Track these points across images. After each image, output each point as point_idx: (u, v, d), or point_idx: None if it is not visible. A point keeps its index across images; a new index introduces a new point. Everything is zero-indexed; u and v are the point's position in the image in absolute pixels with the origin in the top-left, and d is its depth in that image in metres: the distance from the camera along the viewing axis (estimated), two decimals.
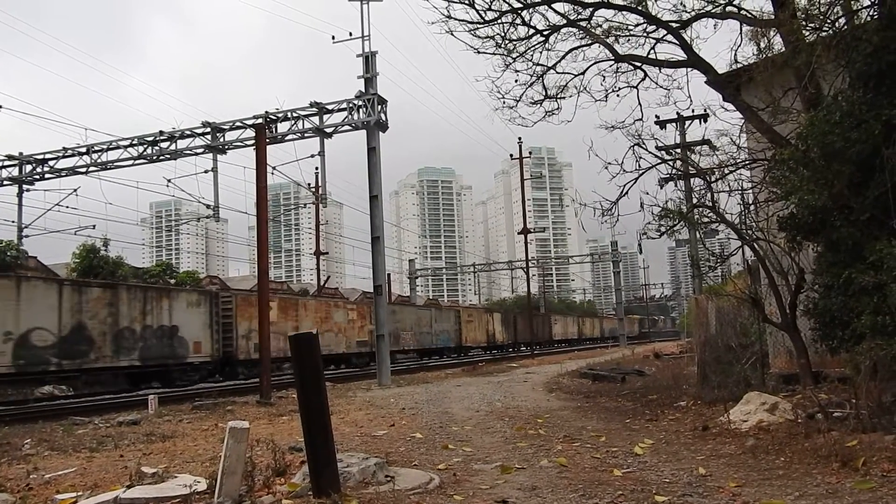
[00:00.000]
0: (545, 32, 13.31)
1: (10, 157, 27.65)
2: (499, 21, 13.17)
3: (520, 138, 48.20)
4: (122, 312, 21.65)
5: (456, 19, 13.10)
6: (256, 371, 21.49)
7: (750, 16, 12.09)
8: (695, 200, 13.13)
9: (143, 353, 22.29)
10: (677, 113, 22.61)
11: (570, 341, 71.81)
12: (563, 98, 14.10)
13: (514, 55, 13.57)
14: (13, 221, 28.70)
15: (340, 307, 34.11)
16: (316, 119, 23.34)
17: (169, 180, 25.19)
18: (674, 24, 12.64)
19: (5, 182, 28.01)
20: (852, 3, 9.97)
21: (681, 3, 12.51)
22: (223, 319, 25.79)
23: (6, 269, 27.24)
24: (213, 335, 25.10)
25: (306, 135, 23.61)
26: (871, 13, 9.66)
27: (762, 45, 11.71)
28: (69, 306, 19.99)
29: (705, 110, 17.29)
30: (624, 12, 12.95)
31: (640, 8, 12.59)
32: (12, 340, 18.30)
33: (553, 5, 12.99)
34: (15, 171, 27.77)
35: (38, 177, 27.63)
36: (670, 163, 14.69)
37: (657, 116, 24.79)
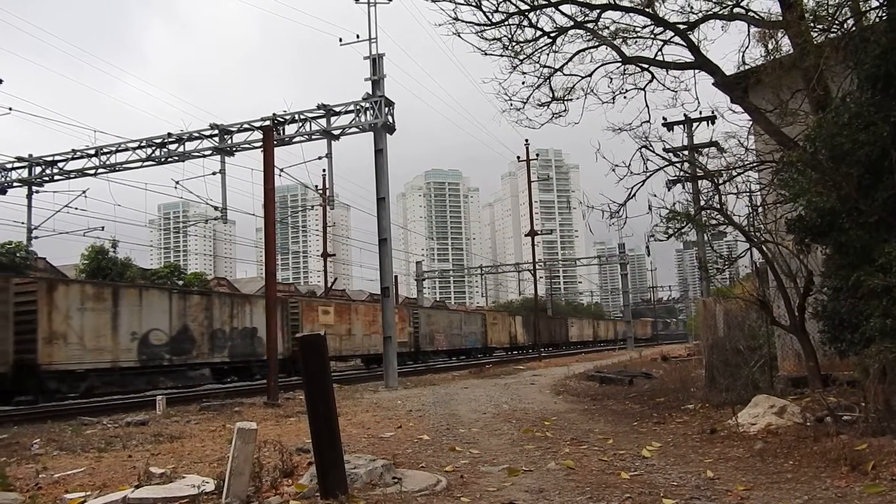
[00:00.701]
0: (552, 34, 13.29)
1: (19, 159, 27.77)
2: (506, 23, 13.15)
3: (527, 140, 48.15)
4: (215, 316, 24.80)
5: (463, 21, 13.07)
6: None
7: (758, 17, 12.06)
8: (702, 202, 13.08)
9: (232, 351, 25.52)
10: (685, 115, 22.55)
11: (586, 343, 73.85)
12: (571, 100, 14.07)
13: (521, 57, 13.55)
14: (23, 223, 28.83)
15: (363, 311, 36.54)
16: (323, 121, 23.38)
17: (177, 182, 25.30)
18: (681, 26, 12.61)
19: (15, 184, 28.14)
20: (860, 4, 9.94)
21: (688, 5, 12.49)
22: (291, 321, 28.94)
23: (15, 269, 27.40)
24: (284, 336, 27.47)
25: (314, 137, 23.66)
26: (879, 14, 9.63)
27: (770, 46, 11.68)
28: (177, 311, 23.20)
29: (713, 112, 17.11)
30: (631, 14, 12.93)
31: (647, 10, 12.57)
32: (137, 339, 21.52)
33: (560, 7, 12.97)
34: (25, 173, 27.91)
35: (47, 178, 27.75)
36: (678, 165, 14.65)
37: (664, 118, 24.73)
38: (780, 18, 11.30)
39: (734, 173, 12.61)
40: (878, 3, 9.78)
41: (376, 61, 22.42)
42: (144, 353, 21.50)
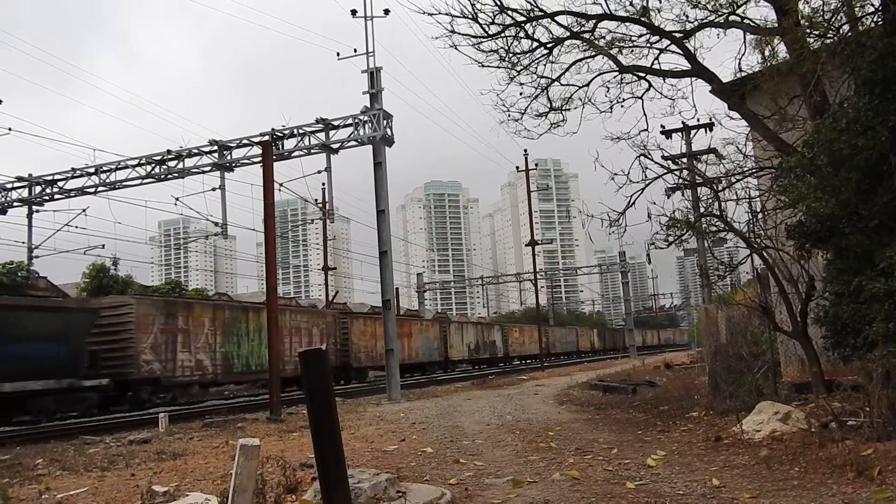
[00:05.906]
0: (549, 45, 13.31)
1: (20, 179, 27.82)
2: (502, 35, 13.17)
3: (525, 150, 48.27)
4: (484, 334, 51.29)
5: (459, 34, 13.09)
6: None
7: (753, 24, 12.09)
8: (702, 209, 13.10)
9: (488, 352, 51.56)
10: (683, 122, 22.59)
11: (638, 347, 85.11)
12: (568, 110, 14.08)
13: (518, 68, 13.56)
14: (23, 242, 28.84)
15: (528, 330, 61.47)
16: (322, 135, 23.41)
17: (177, 199, 25.36)
18: (677, 35, 12.64)
19: (15, 203, 28.17)
20: (856, 9, 9.98)
21: (684, 14, 12.52)
22: (503, 337, 55.30)
23: (16, 289, 27.36)
24: (501, 344, 54.79)
25: (312, 151, 23.68)
26: (874, 19, 9.67)
27: (766, 53, 11.74)
28: (474, 332, 49.67)
29: (711, 119, 17.21)
30: (627, 24, 12.96)
31: (643, 19, 12.60)
32: (467, 347, 47.52)
33: (556, 18, 13.00)
34: (25, 193, 27.95)
35: (47, 198, 27.78)
36: (677, 172, 14.66)
37: (662, 126, 24.66)
38: (776, 25, 11.33)
39: (733, 180, 12.62)
40: (873, 9, 9.83)
41: (374, 75, 22.47)
42: (470, 352, 47.81)
